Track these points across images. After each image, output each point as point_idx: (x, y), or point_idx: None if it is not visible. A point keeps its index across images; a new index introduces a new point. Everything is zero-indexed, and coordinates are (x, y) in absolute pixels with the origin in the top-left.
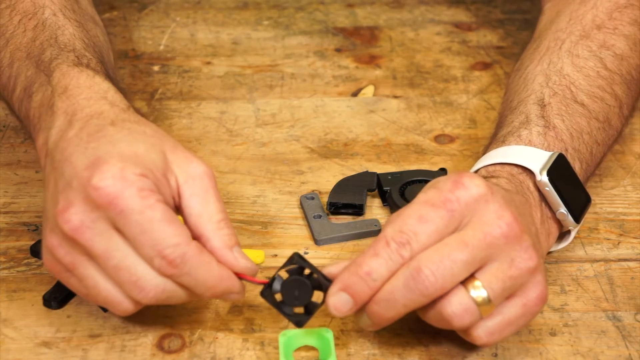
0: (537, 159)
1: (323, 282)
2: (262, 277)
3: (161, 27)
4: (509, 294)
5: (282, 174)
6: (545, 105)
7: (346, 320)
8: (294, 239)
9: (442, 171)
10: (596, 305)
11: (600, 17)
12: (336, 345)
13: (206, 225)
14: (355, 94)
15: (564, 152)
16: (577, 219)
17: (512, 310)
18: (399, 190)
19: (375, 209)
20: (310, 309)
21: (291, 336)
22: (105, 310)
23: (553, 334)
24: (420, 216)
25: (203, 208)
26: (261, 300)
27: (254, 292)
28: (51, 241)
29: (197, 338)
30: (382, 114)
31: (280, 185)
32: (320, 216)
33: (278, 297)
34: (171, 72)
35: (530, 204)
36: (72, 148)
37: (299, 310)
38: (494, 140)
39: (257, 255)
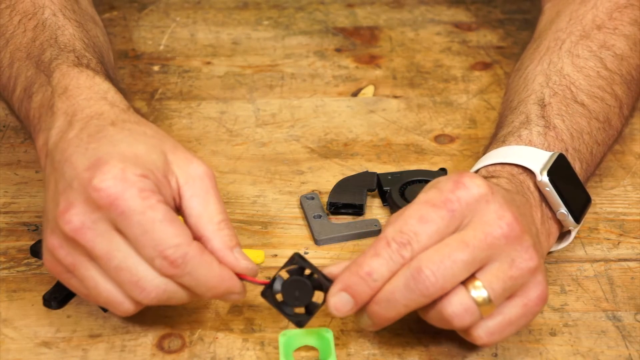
0: (538, 159)
1: (324, 283)
2: (263, 277)
3: (161, 27)
4: (509, 294)
5: (282, 174)
6: (545, 106)
7: (346, 320)
8: (294, 239)
9: (442, 171)
10: (596, 305)
11: (600, 17)
12: (336, 345)
13: (207, 226)
14: (355, 94)
15: (564, 152)
16: (578, 219)
17: (512, 310)
18: (399, 190)
19: (375, 209)
20: (311, 309)
21: (291, 336)
22: (105, 310)
23: (553, 334)
24: (421, 216)
25: (203, 209)
26: (261, 300)
27: (254, 292)
28: (52, 242)
29: (197, 338)
30: (382, 114)
31: (280, 185)
32: (320, 216)
33: (279, 297)
34: (171, 72)
35: (530, 204)
36: (73, 149)
37: (300, 310)
38: (494, 140)
39: (257, 255)
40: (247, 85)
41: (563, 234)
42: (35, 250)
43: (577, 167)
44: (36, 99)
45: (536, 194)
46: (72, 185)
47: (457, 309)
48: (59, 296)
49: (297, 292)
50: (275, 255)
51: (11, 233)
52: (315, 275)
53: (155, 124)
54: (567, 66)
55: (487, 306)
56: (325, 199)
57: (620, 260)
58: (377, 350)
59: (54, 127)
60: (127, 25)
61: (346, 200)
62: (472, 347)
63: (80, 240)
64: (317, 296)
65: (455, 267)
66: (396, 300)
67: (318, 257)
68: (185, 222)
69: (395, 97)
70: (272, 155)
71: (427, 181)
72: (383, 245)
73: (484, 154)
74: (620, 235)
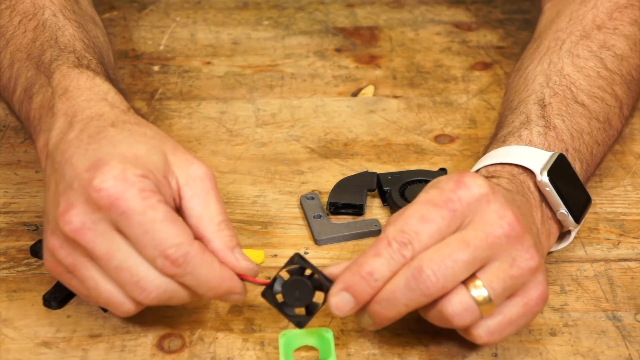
0: (538, 159)
1: (324, 283)
2: (263, 277)
3: (161, 27)
4: (509, 294)
5: (282, 174)
6: (545, 106)
7: (346, 320)
8: (294, 239)
9: (442, 171)
10: (596, 305)
11: (600, 17)
12: (336, 345)
13: (207, 227)
14: (355, 94)
15: (564, 153)
16: (578, 219)
17: (513, 309)
18: (399, 190)
19: (375, 209)
20: (311, 309)
21: (291, 336)
22: (105, 310)
23: (553, 334)
24: (422, 216)
25: (204, 210)
26: (261, 300)
27: (254, 292)
28: (52, 243)
29: (197, 338)
30: (382, 114)
31: (280, 185)
32: (320, 216)
33: (279, 297)
34: (171, 72)
35: (530, 204)
36: (73, 150)
37: (300, 310)
38: (494, 140)
39: (257, 255)
40: (247, 85)
41: (563, 234)
42: (35, 250)
43: (577, 167)
44: (36, 100)
45: (536, 194)
46: (72, 186)
47: (457, 308)
48: (59, 296)
49: (298, 292)
50: (275, 255)
51: (11, 233)
52: (316, 276)
53: (155, 124)
54: (568, 66)
55: (487, 305)
56: (325, 199)
57: (620, 260)
58: (377, 350)
59: (54, 128)
60: (127, 25)
61: (346, 200)
62: (472, 346)
63: (81, 241)
64: (317, 296)
65: (456, 266)
66: (397, 300)
67: (318, 257)
68: (186, 222)
69: (395, 97)
70: (272, 155)
71: (427, 181)
72: (384, 245)
73: (484, 154)
74: (620, 235)
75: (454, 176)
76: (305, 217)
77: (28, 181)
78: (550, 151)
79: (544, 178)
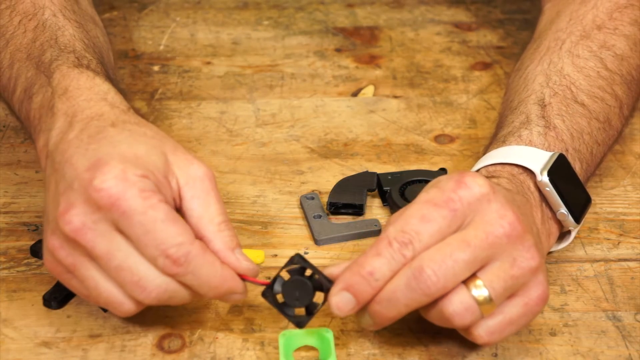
0: (538, 159)
1: (324, 283)
2: (263, 277)
3: (161, 27)
4: (510, 294)
5: (282, 174)
6: (545, 106)
7: (346, 320)
8: (294, 239)
9: (442, 171)
10: (596, 305)
11: (600, 17)
12: (336, 345)
13: (207, 227)
14: (355, 94)
15: (564, 153)
16: (578, 219)
17: (513, 309)
18: (399, 190)
19: (375, 209)
20: (311, 309)
21: (291, 336)
22: (105, 310)
23: (553, 334)
24: (423, 216)
25: (204, 210)
26: (261, 300)
27: (254, 292)
28: (52, 243)
29: (197, 338)
30: (382, 114)
31: (280, 185)
32: (320, 216)
33: (279, 297)
34: (171, 72)
35: (531, 204)
36: (73, 150)
37: (300, 311)
38: (494, 140)
39: (257, 255)
40: (247, 85)
41: (563, 234)
42: (35, 250)
43: (577, 167)
44: (36, 100)
45: (536, 194)
46: (72, 186)
47: (457, 307)
48: (59, 296)
49: (298, 292)
50: (275, 255)
51: (11, 233)
52: (316, 276)
53: (155, 124)
54: (568, 66)
55: (487, 305)
56: (325, 199)
57: (620, 260)
58: (377, 350)
59: (54, 128)
60: (127, 25)
61: (346, 200)
62: (472, 346)
63: (81, 241)
64: (317, 297)
65: (457, 266)
66: (397, 300)
67: (318, 257)
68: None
69: (395, 97)
70: (272, 155)
71: (427, 181)
72: (385, 245)
73: (484, 154)
74: (620, 235)
75: (455, 176)
76: (305, 217)
77: (28, 181)
78: (550, 151)
79: (544, 178)
